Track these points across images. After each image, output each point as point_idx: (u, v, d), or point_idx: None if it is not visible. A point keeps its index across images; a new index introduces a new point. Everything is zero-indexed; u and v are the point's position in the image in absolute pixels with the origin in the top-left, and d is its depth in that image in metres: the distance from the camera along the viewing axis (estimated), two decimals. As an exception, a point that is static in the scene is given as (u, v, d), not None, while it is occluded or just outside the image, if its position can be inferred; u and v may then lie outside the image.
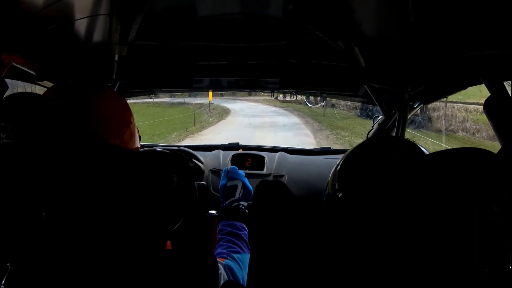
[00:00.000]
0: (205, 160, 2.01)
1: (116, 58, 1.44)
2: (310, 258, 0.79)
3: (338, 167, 0.86)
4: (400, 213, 0.68)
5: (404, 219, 0.67)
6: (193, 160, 1.90)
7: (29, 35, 1.12)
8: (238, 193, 1.13)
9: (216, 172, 1.97)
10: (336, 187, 0.83)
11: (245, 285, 0.92)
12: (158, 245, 0.76)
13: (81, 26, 1.18)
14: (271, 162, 2.04)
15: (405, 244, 0.66)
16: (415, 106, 1.65)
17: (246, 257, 0.99)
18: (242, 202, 1.12)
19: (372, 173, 0.77)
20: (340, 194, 0.80)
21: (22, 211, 0.67)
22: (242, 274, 0.93)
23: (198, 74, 1.81)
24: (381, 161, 0.78)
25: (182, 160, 1.08)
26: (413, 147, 0.83)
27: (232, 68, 1.74)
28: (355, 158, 0.86)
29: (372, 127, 2.05)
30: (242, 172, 1.20)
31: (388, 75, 1.51)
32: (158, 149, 1.77)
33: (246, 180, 1.19)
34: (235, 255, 0.97)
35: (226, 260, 0.93)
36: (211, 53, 1.60)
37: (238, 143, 2.45)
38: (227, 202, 1.12)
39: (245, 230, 1.05)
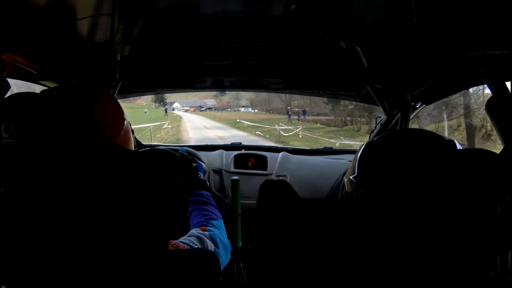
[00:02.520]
0: (208, 160, 2.01)
1: (118, 58, 1.45)
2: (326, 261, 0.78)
3: (356, 163, 0.85)
4: (402, 212, 0.68)
5: (406, 219, 0.67)
6: (196, 160, 1.89)
7: (31, 34, 1.12)
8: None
9: (218, 172, 1.97)
10: (355, 185, 0.82)
11: (229, 245, 0.97)
12: (160, 244, 0.76)
13: (83, 25, 1.18)
14: (273, 162, 2.04)
15: (418, 241, 0.66)
16: (417, 106, 1.64)
17: (221, 222, 1.04)
18: (201, 173, 1.21)
19: (391, 170, 0.76)
20: (360, 192, 0.80)
21: (24, 212, 0.67)
22: (224, 238, 0.98)
23: (201, 74, 1.81)
24: (399, 158, 0.77)
25: (185, 160, 1.08)
26: (436, 140, 0.82)
27: (234, 68, 1.75)
28: (373, 156, 0.84)
29: (375, 127, 2.05)
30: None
31: (390, 75, 1.51)
32: (161, 148, 1.77)
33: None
34: (213, 222, 1.01)
35: (207, 228, 0.97)
36: (214, 53, 1.60)
37: (240, 143, 2.44)
38: None
39: (211, 198, 1.11)
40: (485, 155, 0.69)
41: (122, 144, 0.85)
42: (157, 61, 1.65)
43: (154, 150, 1.20)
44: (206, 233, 0.94)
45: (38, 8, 1.00)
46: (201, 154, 1.94)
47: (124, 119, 0.88)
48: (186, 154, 1.16)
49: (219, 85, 2.08)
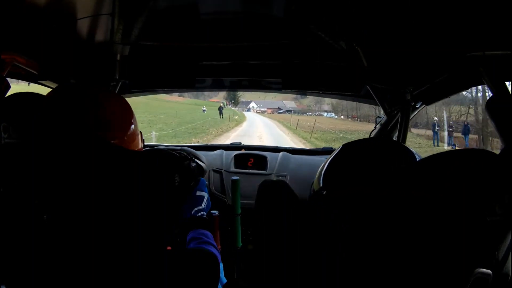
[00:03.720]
0: (208, 159, 2.01)
1: (118, 58, 1.45)
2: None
3: (325, 166, 0.87)
4: (401, 215, 0.68)
5: (405, 221, 0.67)
6: (195, 159, 1.89)
7: (31, 34, 1.12)
8: (204, 204, 1.16)
9: (218, 172, 1.97)
10: (321, 185, 0.83)
11: None
12: (160, 244, 0.77)
13: (83, 25, 1.18)
14: (273, 162, 2.04)
15: (392, 245, 0.66)
16: (417, 106, 1.64)
17: (221, 265, 1.03)
18: (205, 212, 1.16)
19: (354, 172, 0.78)
20: (324, 192, 0.81)
21: (23, 212, 0.67)
22: (223, 279, 0.94)
23: (201, 74, 1.81)
24: (363, 160, 0.79)
25: (184, 159, 1.08)
26: (400, 149, 0.84)
27: (234, 68, 1.75)
28: (339, 158, 0.87)
29: (375, 127, 2.05)
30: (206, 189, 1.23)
31: (390, 75, 1.51)
32: (160, 148, 1.77)
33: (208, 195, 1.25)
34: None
35: None
36: (214, 53, 1.61)
37: (240, 143, 2.45)
38: (194, 210, 1.13)
39: (213, 238, 1.08)
40: (485, 155, 0.69)
41: (127, 143, 0.84)
42: (157, 61, 1.66)
43: (153, 150, 1.20)
44: None
45: (38, 8, 1.00)
46: (201, 154, 1.94)
47: (131, 120, 0.88)
48: (185, 154, 1.15)
49: (219, 85, 2.08)
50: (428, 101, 1.58)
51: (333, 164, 0.86)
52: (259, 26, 1.32)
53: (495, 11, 0.81)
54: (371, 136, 2.04)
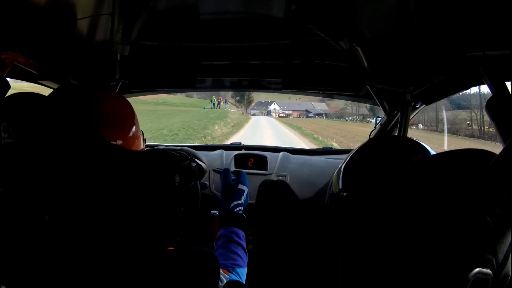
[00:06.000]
0: (208, 159, 2.01)
1: (118, 58, 1.45)
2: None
3: (343, 166, 0.87)
4: (404, 213, 0.68)
5: (408, 220, 0.67)
6: (195, 159, 1.89)
7: (31, 34, 1.12)
8: (243, 199, 1.17)
9: (218, 172, 1.97)
10: (340, 186, 0.83)
11: None
12: (160, 244, 0.77)
13: (83, 25, 1.18)
14: (273, 162, 2.04)
15: (404, 246, 0.66)
16: (417, 106, 1.65)
17: (245, 270, 1.02)
18: (242, 208, 1.16)
19: (376, 172, 0.77)
20: (344, 194, 0.80)
21: (23, 213, 0.67)
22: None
23: (201, 74, 1.81)
24: (384, 160, 0.78)
25: (184, 159, 1.08)
26: (418, 147, 0.83)
27: (234, 68, 1.75)
28: (359, 158, 0.86)
29: (375, 127, 2.05)
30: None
31: (390, 75, 1.51)
32: (161, 148, 1.77)
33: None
34: (238, 269, 0.99)
35: (230, 274, 0.96)
36: (214, 53, 1.61)
37: (240, 143, 2.45)
38: (233, 204, 1.11)
39: (244, 238, 1.08)
40: (485, 155, 0.68)
41: (129, 144, 0.84)
42: (157, 61, 1.66)
43: (153, 150, 1.20)
44: (228, 276, 0.94)
45: (38, 8, 1.00)
46: (201, 154, 1.94)
47: (133, 119, 0.87)
48: (185, 154, 1.15)
49: (219, 85, 2.09)
50: (428, 101, 1.58)
51: (351, 165, 0.86)
52: (259, 26, 1.32)
53: (495, 11, 0.81)
54: (371, 136, 2.04)
